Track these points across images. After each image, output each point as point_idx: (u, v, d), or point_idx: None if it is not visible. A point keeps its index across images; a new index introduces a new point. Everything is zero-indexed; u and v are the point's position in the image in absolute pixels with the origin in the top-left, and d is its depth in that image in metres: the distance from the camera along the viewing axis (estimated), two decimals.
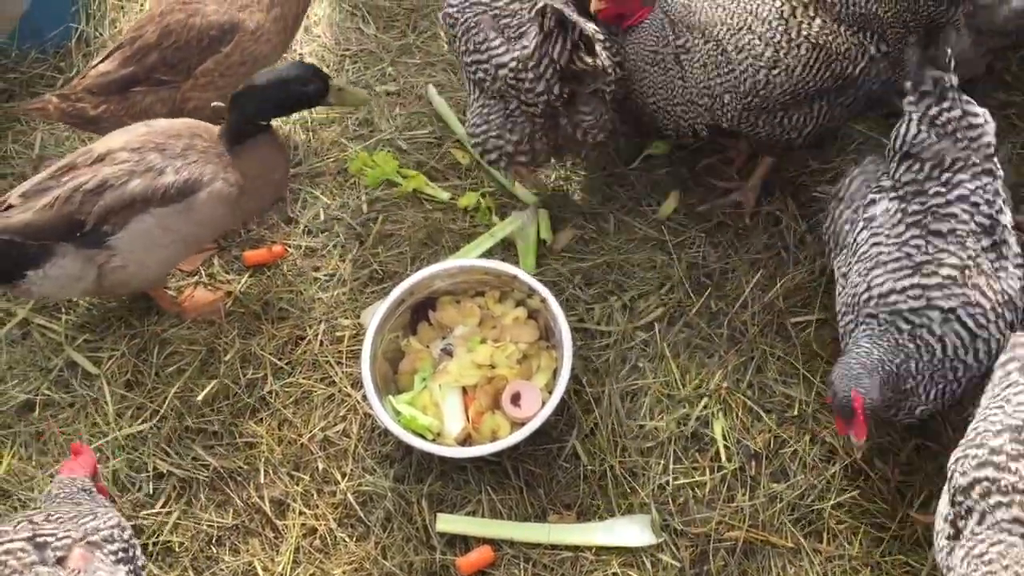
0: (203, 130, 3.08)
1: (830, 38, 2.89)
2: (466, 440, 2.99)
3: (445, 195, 3.54)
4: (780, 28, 2.90)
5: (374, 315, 3.08)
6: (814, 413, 3.03)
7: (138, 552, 2.54)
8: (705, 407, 3.04)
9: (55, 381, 3.21)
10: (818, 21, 2.89)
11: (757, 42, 2.92)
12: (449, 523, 2.89)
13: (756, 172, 3.43)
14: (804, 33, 2.88)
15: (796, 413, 3.03)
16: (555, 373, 3.03)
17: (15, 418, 3.15)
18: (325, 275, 3.41)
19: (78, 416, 3.13)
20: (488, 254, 3.36)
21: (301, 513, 2.96)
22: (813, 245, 3.32)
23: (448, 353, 3.13)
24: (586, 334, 3.22)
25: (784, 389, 3.07)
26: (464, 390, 3.04)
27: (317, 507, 2.97)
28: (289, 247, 3.47)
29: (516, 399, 2.99)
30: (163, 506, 2.99)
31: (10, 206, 2.91)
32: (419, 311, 3.21)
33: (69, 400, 3.17)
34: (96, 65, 3.40)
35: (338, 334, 3.27)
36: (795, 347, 3.14)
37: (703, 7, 2.98)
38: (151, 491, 3.01)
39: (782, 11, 2.90)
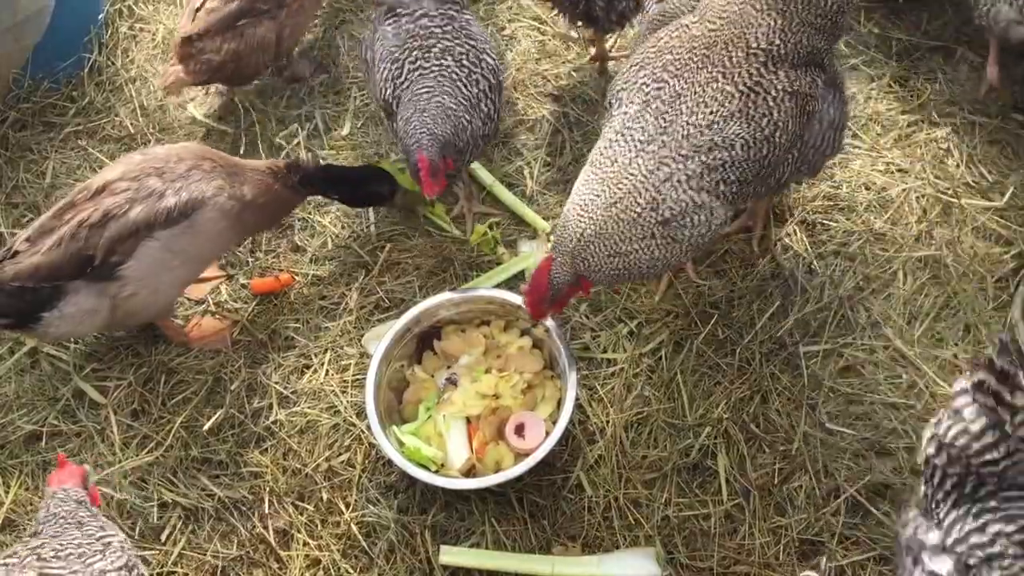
0: (212, 155, 3.14)
1: (796, 84, 2.83)
2: (470, 471, 2.97)
3: (455, 231, 3.53)
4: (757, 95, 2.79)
5: (379, 344, 3.08)
6: (817, 445, 3.00)
7: None
8: (708, 436, 3.01)
9: (62, 411, 3.22)
10: (782, 73, 2.83)
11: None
12: (452, 555, 2.87)
13: (763, 200, 3.40)
14: (779, 87, 2.82)
15: (799, 445, 3.00)
16: (559, 403, 3.01)
17: (22, 448, 3.17)
18: (331, 303, 3.42)
19: (84, 446, 3.15)
20: (497, 284, 3.35)
21: (305, 544, 2.96)
22: (821, 273, 3.29)
23: (453, 383, 3.12)
24: (591, 363, 3.20)
25: (787, 421, 3.04)
26: (468, 420, 3.03)
27: (321, 538, 2.96)
28: (296, 275, 3.48)
29: (520, 430, 2.97)
30: (168, 536, 2.99)
31: (17, 252, 2.93)
32: (424, 340, 3.20)
33: (76, 430, 3.18)
34: (202, 5, 3.62)
35: (343, 363, 3.27)
36: (802, 376, 3.11)
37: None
38: (156, 521, 3.01)
39: (750, 78, 2.78)
